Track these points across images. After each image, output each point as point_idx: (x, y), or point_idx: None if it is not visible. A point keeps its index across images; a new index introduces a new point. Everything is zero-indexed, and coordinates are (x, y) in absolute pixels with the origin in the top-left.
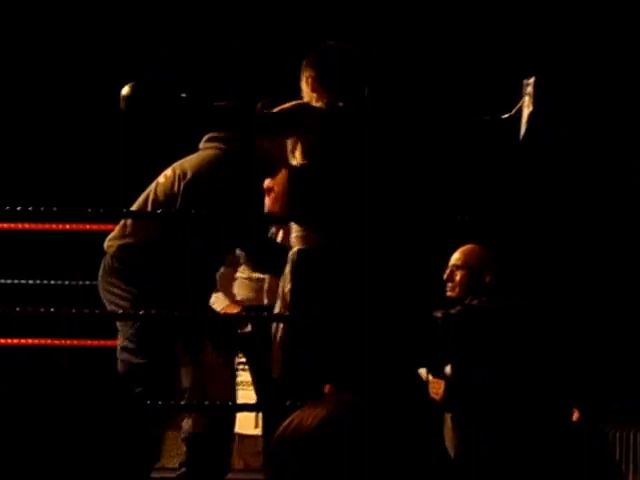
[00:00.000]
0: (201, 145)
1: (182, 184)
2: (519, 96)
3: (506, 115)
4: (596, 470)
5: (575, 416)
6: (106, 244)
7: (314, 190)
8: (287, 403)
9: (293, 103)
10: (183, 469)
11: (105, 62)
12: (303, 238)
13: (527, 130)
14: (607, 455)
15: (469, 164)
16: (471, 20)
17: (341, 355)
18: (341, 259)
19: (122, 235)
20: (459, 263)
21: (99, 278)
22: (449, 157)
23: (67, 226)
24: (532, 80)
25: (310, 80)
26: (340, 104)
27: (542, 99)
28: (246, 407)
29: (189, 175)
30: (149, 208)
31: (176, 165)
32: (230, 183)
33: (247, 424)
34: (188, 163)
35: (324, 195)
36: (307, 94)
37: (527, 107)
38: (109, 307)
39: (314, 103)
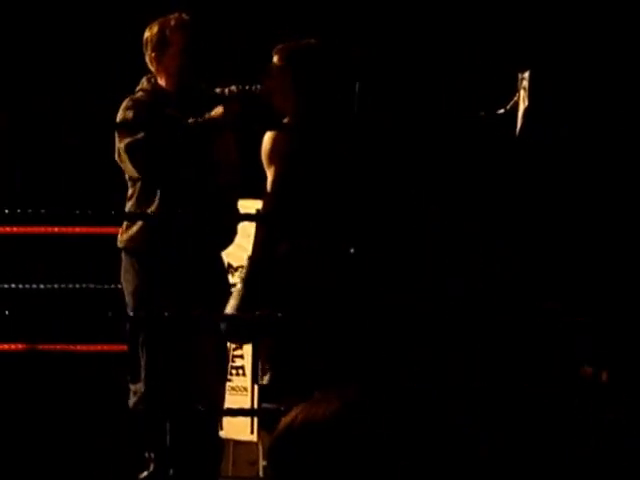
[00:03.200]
0: None
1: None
2: (514, 90)
3: (501, 110)
4: None
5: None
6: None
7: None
8: (282, 408)
9: None
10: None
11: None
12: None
13: (523, 126)
14: None
15: (464, 161)
16: (464, 12)
17: (332, 354)
18: (314, 259)
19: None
20: None
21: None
22: (443, 153)
23: (64, 229)
24: (527, 74)
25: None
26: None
27: (538, 93)
28: (241, 412)
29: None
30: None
31: None
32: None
33: (242, 430)
34: None
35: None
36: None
37: (523, 102)
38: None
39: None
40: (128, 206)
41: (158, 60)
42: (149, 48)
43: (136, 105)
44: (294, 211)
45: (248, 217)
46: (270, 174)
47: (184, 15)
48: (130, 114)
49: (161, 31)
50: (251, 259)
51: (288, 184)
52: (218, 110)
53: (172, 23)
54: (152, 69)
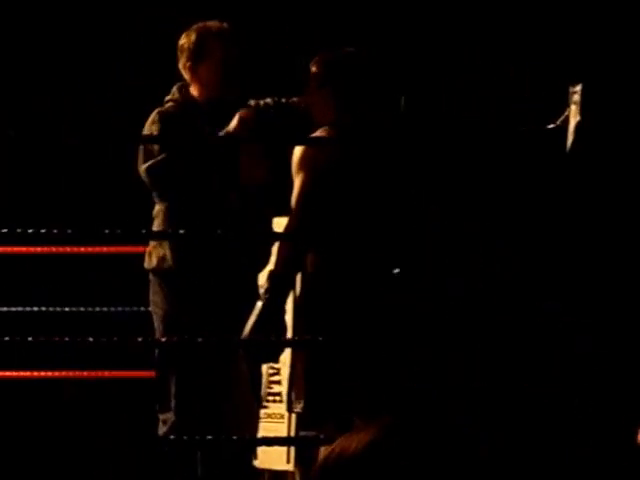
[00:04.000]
0: None
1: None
2: (565, 105)
3: (552, 125)
4: None
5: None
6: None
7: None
8: (321, 436)
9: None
10: None
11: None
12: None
13: (574, 141)
14: None
15: (512, 177)
16: (515, 26)
17: (368, 379)
18: (347, 280)
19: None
20: None
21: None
22: (489, 171)
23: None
24: (579, 87)
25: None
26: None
27: (590, 108)
28: (277, 441)
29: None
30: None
31: None
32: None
33: (278, 459)
34: None
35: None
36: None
37: (574, 117)
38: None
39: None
40: (155, 225)
41: (193, 70)
42: (184, 56)
43: (163, 120)
44: (322, 224)
45: (275, 235)
46: (297, 183)
47: (225, 24)
48: (155, 130)
49: (199, 40)
50: (273, 275)
51: (318, 196)
52: (233, 123)
53: (212, 32)
54: (185, 77)
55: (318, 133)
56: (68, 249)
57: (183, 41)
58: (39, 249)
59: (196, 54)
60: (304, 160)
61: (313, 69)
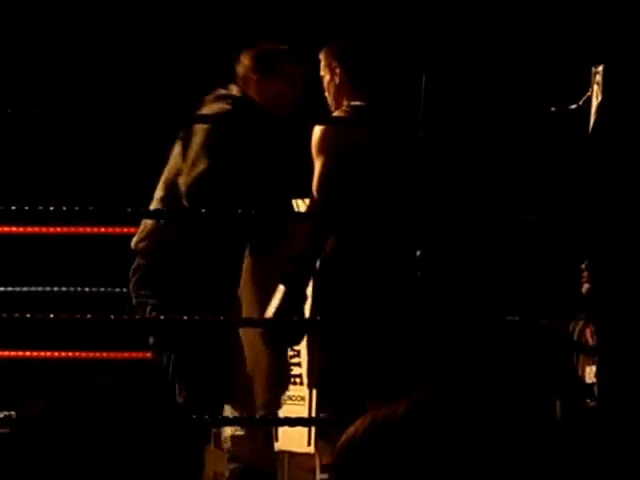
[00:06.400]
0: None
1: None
2: (588, 85)
3: (574, 106)
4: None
5: None
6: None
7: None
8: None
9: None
10: None
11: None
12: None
13: (596, 122)
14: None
15: (533, 159)
16: (538, 5)
17: (381, 360)
18: (365, 260)
19: (148, 232)
20: None
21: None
22: (511, 152)
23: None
24: (601, 68)
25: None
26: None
27: (612, 88)
28: (297, 421)
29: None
30: (165, 192)
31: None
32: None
33: (299, 441)
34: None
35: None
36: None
37: (596, 97)
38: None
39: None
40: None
41: (257, 82)
42: (252, 67)
43: None
44: (343, 206)
45: (294, 215)
46: (317, 165)
47: (287, 46)
48: None
49: (272, 56)
50: (294, 258)
51: (338, 177)
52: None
53: (285, 52)
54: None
55: (335, 114)
56: (89, 229)
57: (254, 53)
58: (59, 229)
59: (266, 68)
60: (323, 142)
61: (324, 52)
